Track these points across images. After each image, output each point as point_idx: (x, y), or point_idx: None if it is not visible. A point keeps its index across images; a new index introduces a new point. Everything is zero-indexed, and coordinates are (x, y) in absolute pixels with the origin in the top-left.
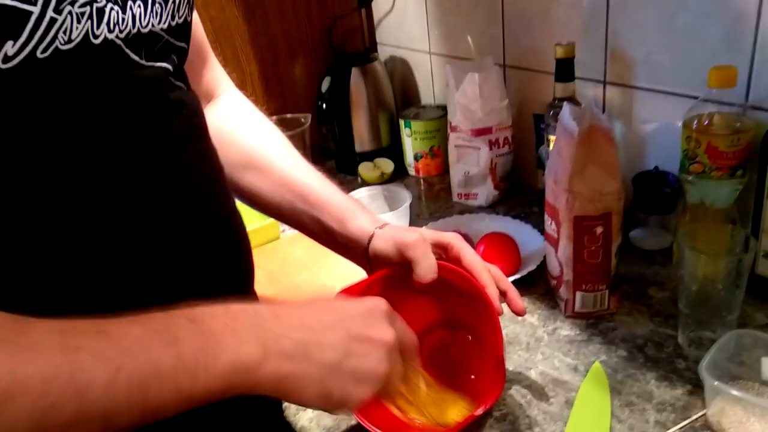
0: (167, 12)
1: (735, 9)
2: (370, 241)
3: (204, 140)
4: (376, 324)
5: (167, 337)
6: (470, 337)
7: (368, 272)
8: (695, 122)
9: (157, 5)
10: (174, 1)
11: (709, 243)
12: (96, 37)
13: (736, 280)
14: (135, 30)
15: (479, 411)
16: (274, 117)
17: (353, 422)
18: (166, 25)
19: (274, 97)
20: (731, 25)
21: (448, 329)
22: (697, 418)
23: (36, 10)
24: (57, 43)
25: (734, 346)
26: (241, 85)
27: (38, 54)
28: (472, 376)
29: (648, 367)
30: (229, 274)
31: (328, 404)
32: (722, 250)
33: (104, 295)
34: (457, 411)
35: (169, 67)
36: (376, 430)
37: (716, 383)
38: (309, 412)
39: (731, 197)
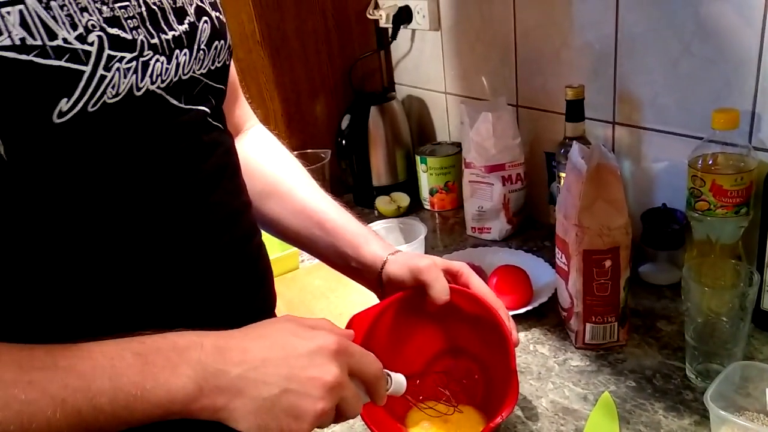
0: (209, 58)
1: (737, 54)
2: (383, 266)
3: (236, 177)
4: (320, 363)
5: (110, 372)
6: (476, 363)
7: (380, 297)
8: (700, 162)
9: (200, 52)
10: (216, 47)
11: (714, 277)
12: (139, 89)
13: (741, 314)
14: (176, 78)
15: (498, 420)
16: (296, 152)
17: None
18: (206, 70)
19: (296, 134)
20: (733, 70)
21: (453, 356)
22: None
23: (87, 69)
24: (105, 97)
25: (739, 378)
26: (265, 121)
27: (89, 108)
28: (481, 400)
29: (656, 398)
30: (254, 301)
31: None
32: (727, 285)
33: (139, 320)
34: (472, 426)
35: (207, 109)
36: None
37: (720, 412)
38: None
39: (736, 234)
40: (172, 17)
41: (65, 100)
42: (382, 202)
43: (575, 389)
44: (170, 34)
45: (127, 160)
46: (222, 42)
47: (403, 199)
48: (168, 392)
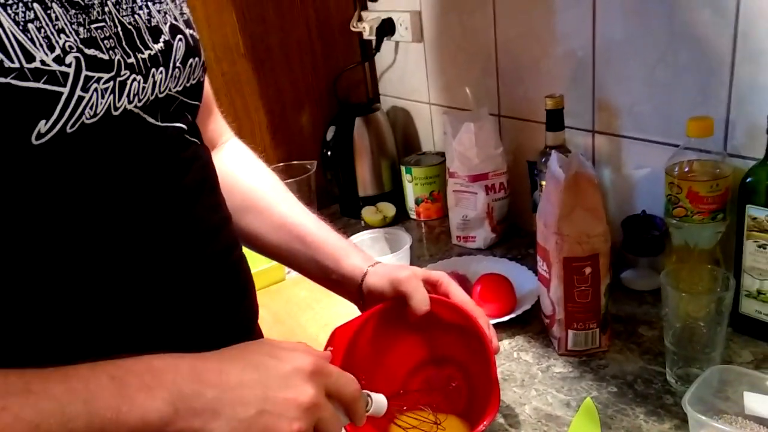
0: (185, 75)
1: (710, 63)
2: (363, 278)
3: (215, 191)
4: (295, 384)
5: (85, 396)
6: (459, 371)
7: (361, 308)
8: (676, 169)
9: (176, 70)
10: (191, 65)
11: (691, 283)
12: (117, 109)
13: (718, 318)
14: (153, 96)
15: (480, 428)
16: (281, 164)
17: None
18: (181, 88)
19: (282, 145)
20: (707, 78)
21: (437, 365)
22: None
23: (66, 90)
24: (84, 118)
25: (718, 381)
26: (250, 133)
27: (67, 129)
28: (464, 408)
29: (637, 403)
30: (236, 314)
31: None
32: (704, 290)
33: (121, 335)
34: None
35: (184, 126)
36: None
37: (698, 416)
38: None
39: (714, 239)
40: (147, 36)
41: (44, 121)
42: (368, 213)
43: (558, 396)
44: (146, 53)
45: (107, 178)
46: (196, 59)
47: (389, 209)
48: (143, 415)
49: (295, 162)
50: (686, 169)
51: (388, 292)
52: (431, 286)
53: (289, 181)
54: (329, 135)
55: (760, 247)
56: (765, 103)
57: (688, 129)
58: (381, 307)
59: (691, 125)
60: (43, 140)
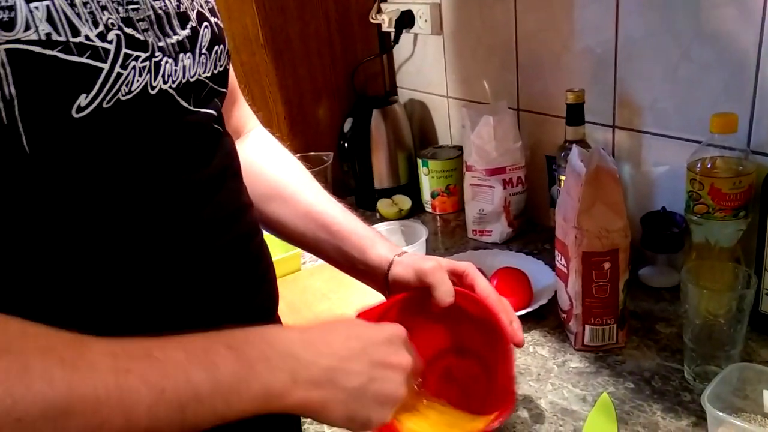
0: (211, 62)
1: (735, 59)
2: (389, 268)
3: (237, 178)
4: (396, 350)
5: (206, 363)
6: (479, 364)
7: (387, 297)
8: (698, 165)
9: (202, 56)
10: (217, 52)
11: (712, 280)
12: (153, 88)
13: (738, 316)
14: (185, 80)
15: (494, 424)
16: (298, 155)
17: None
18: (209, 74)
19: (299, 136)
20: (732, 75)
21: (458, 355)
22: None
23: (106, 66)
24: (120, 94)
25: (737, 380)
26: (268, 124)
27: (104, 105)
28: (480, 401)
29: (654, 399)
30: (255, 301)
31: (353, 425)
32: (724, 287)
33: (138, 317)
34: (469, 429)
35: (214, 113)
36: None
37: (717, 413)
38: (324, 428)
39: (735, 237)
40: (176, 22)
41: (84, 95)
42: (383, 205)
43: (574, 390)
44: (174, 38)
45: (139, 156)
46: (221, 47)
47: (404, 202)
48: (265, 384)
49: (311, 153)
50: (709, 166)
51: (413, 283)
52: (457, 276)
53: None
54: (346, 127)
55: None
56: None
57: (712, 125)
58: (405, 295)
59: (714, 121)
60: (83, 114)
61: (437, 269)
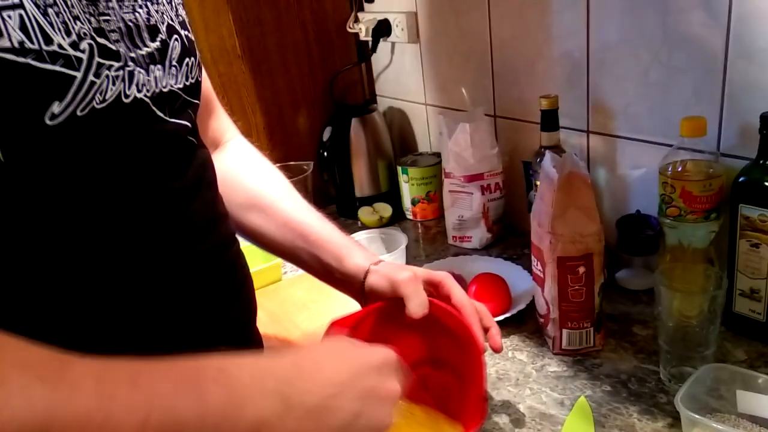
0: (182, 74)
1: (704, 63)
2: (365, 277)
3: (213, 189)
4: (386, 378)
5: (195, 391)
6: (454, 375)
7: (363, 306)
8: (669, 169)
9: (173, 68)
10: (187, 65)
11: (685, 282)
12: (127, 96)
13: (710, 317)
14: (158, 89)
15: None
16: (278, 164)
17: None
18: (181, 85)
19: (278, 146)
20: (701, 78)
21: (432, 366)
22: None
23: (79, 74)
24: (94, 102)
25: (711, 380)
26: (248, 134)
27: (78, 113)
28: (453, 412)
29: (631, 401)
30: (231, 311)
31: None
32: (697, 288)
33: (113, 327)
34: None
35: (188, 124)
36: None
37: (691, 414)
38: None
39: (707, 239)
40: (145, 34)
41: (57, 103)
42: (364, 213)
43: (552, 394)
44: (144, 50)
45: (114, 166)
46: (192, 59)
47: (385, 210)
48: (257, 415)
49: (292, 163)
50: (680, 169)
51: (387, 293)
52: (433, 287)
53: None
54: (326, 136)
55: (753, 246)
56: (758, 102)
57: (682, 129)
58: (380, 304)
59: (684, 125)
60: (56, 122)
61: (411, 280)
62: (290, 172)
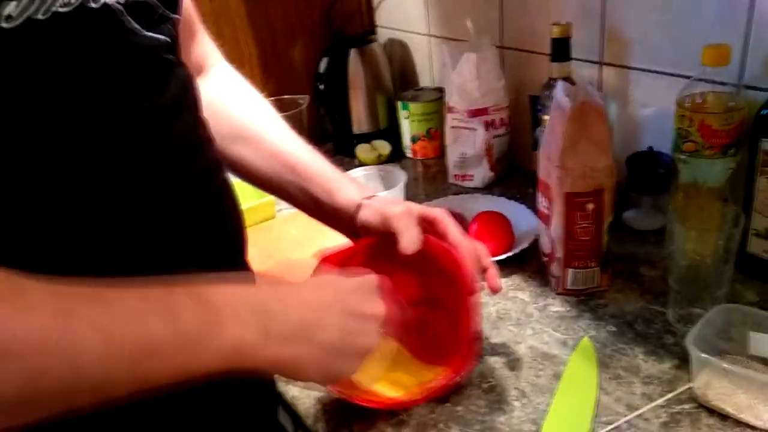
0: None
1: None
2: (357, 211)
3: (195, 111)
4: (369, 299)
5: (166, 311)
6: (447, 315)
7: (354, 243)
8: (688, 101)
9: None
10: None
11: (699, 220)
12: (96, 1)
13: (725, 256)
14: None
15: (451, 378)
16: (272, 98)
17: None
18: None
19: (272, 78)
20: (725, 4)
21: (427, 306)
22: (683, 391)
23: None
24: (57, 5)
25: (722, 321)
26: (240, 65)
27: (39, 16)
28: (444, 354)
29: (637, 342)
30: (220, 241)
31: (326, 380)
32: (712, 227)
33: (92, 258)
34: (430, 378)
35: (167, 39)
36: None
37: (702, 355)
38: (299, 383)
39: (724, 176)
40: None
41: (14, 3)
42: (362, 150)
43: (555, 335)
44: None
45: (82, 79)
46: None
47: (384, 147)
48: (233, 338)
49: (286, 96)
50: (699, 101)
51: (379, 227)
52: (429, 223)
53: (280, 116)
54: (322, 67)
55: None
56: None
57: (704, 57)
58: (371, 240)
59: (706, 53)
60: (13, 24)
61: (405, 214)
62: (284, 107)
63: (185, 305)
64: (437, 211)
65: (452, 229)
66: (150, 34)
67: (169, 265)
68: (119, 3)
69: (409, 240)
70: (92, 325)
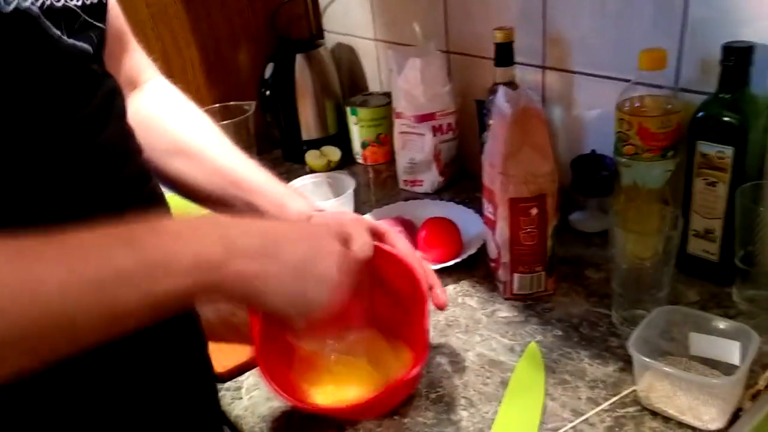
0: None
1: None
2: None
3: (123, 121)
4: (332, 239)
5: (126, 239)
6: (402, 309)
7: None
8: (627, 104)
9: None
10: None
11: (640, 222)
12: (8, 3)
13: (665, 258)
14: (49, 2)
15: (410, 374)
16: (217, 105)
17: (287, 409)
18: (80, 2)
19: (216, 84)
20: (661, 9)
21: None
22: (627, 394)
23: None
24: None
25: (664, 322)
26: (182, 72)
27: None
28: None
29: (582, 346)
30: None
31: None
32: (651, 229)
33: None
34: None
35: (90, 48)
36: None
37: (642, 358)
38: (244, 401)
39: (663, 178)
40: None
41: None
42: (312, 157)
43: (502, 341)
44: None
45: (1, 85)
46: None
47: (334, 153)
48: (196, 254)
49: (232, 103)
50: (637, 105)
51: None
52: (378, 237)
53: (226, 122)
54: (267, 73)
55: (709, 184)
56: (719, 34)
57: (640, 62)
58: None
59: (643, 57)
60: None
61: (356, 222)
62: (230, 113)
63: (144, 232)
64: (386, 227)
65: (400, 243)
66: (73, 41)
67: None
68: (35, 5)
69: (362, 245)
70: (48, 260)
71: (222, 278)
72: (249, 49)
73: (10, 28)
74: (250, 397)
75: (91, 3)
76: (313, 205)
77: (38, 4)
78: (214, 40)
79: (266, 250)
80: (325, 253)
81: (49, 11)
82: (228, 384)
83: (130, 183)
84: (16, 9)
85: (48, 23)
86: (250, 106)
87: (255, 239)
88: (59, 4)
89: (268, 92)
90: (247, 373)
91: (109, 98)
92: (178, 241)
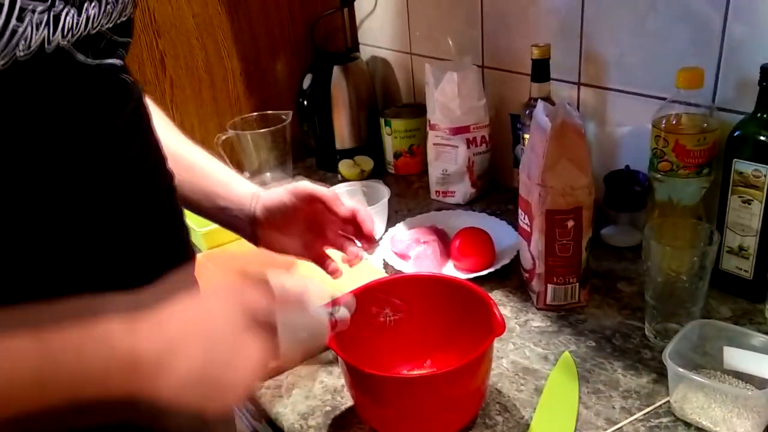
0: (117, 11)
1: (702, 13)
2: (256, 199)
3: (150, 130)
4: (237, 329)
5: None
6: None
7: (253, 241)
8: (664, 122)
9: (109, 5)
10: (124, 1)
11: (674, 237)
12: (50, 43)
13: (700, 273)
14: (86, 32)
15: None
16: (255, 113)
17: (326, 407)
18: (112, 24)
19: (255, 94)
20: (699, 29)
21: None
22: (660, 405)
23: (0, 20)
24: (17, 52)
25: (697, 336)
26: (223, 80)
27: None
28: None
29: (615, 357)
30: (168, 261)
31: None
32: (687, 244)
33: (55, 285)
34: None
35: (118, 61)
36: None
37: (678, 369)
38: (284, 399)
39: (698, 195)
40: None
41: None
42: (345, 166)
43: (536, 349)
44: None
45: (38, 119)
46: None
47: (366, 163)
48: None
49: (269, 112)
50: (674, 122)
51: (288, 202)
52: (321, 203)
53: (263, 131)
54: (305, 84)
55: (744, 202)
56: (757, 54)
57: (678, 80)
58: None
59: (681, 76)
60: None
61: (306, 182)
62: (268, 122)
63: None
64: (324, 190)
65: (342, 203)
66: (99, 62)
67: (132, 275)
68: (69, 42)
69: (328, 193)
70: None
71: (109, 392)
72: (287, 60)
73: (49, 64)
74: (290, 395)
75: (122, 22)
76: (259, 189)
77: (74, 38)
78: (255, 51)
79: (160, 358)
80: (234, 354)
81: (81, 41)
82: (268, 383)
83: (160, 193)
84: (57, 47)
85: (76, 53)
86: (288, 115)
87: (144, 351)
88: (94, 31)
89: (305, 102)
90: (286, 372)
91: (136, 110)
92: (82, 354)
